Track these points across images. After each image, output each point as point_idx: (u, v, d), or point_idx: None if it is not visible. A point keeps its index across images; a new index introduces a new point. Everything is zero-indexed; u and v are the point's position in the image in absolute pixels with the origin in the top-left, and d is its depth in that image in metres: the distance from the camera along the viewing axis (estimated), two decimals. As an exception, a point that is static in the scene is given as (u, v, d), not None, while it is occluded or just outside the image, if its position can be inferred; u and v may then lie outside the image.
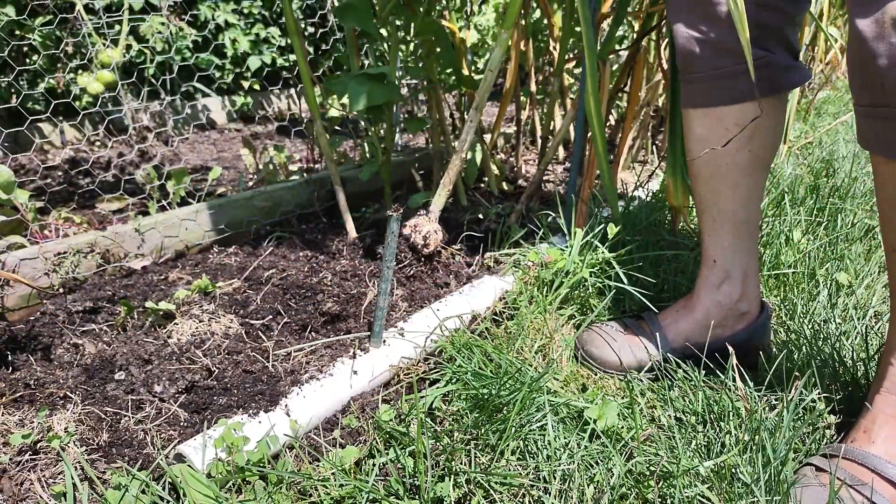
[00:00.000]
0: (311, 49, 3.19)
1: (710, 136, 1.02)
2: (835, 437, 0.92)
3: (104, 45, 2.29)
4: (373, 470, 0.83)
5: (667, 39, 1.75)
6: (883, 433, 0.83)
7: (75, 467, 0.84)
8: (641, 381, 1.07)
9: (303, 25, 3.19)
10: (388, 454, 0.86)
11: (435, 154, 1.90)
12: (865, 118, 0.81)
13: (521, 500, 0.81)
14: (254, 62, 2.97)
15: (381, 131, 1.73)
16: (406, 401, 0.98)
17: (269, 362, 1.06)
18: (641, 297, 1.19)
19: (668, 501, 0.79)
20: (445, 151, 1.88)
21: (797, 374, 0.99)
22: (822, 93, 3.69)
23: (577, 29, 1.91)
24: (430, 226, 1.35)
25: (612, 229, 1.34)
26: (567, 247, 1.33)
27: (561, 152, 2.47)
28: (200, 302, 1.20)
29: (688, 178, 1.43)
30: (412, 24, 1.65)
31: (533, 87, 2.16)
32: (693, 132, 1.05)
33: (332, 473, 0.82)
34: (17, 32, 2.29)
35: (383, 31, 1.65)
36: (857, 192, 1.86)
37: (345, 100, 2.60)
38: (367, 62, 3.21)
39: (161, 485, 0.80)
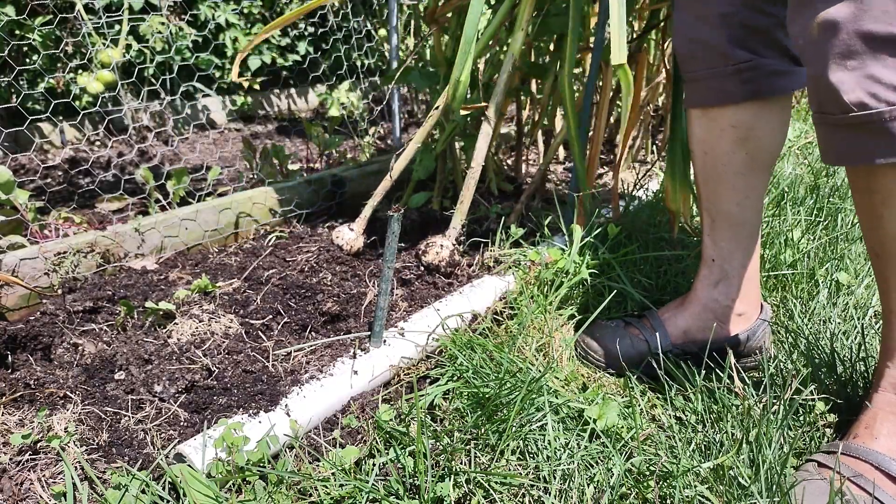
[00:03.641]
0: (310, 49, 3.19)
1: (707, 136, 1.02)
2: (835, 436, 0.92)
3: (104, 44, 2.29)
4: (373, 470, 0.83)
5: (669, 39, 1.76)
6: (885, 430, 0.84)
7: (75, 467, 0.83)
8: (641, 380, 1.07)
9: (303, 25, 3.19)
10: (388, 454, 0.86)
11: (438, 154, 1.90)
12: (817, 127, 0.80)
13: (521, 499, 0.81)
14: (254, 62, 2.97)
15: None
16: (406, 400, 0.98)
17: (269, 362, 1.06)
18: (641, 298, 1.19)
19: (668, 501, 0.79)
20: (448, 151, 1.88)
21: (796, 374, 0.99)
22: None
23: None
24: (441, 240, 1.34)
25: (613, 229, 1.34)
26: (567, 247, 1.33)
27: (561, 152, 2.47)
28: (200, 302, 1.20)
29: (686, 179, 1.43)
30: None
31: (533, 87, 2.16)
32: (693, 132, 1.05)
33: (332, 473, 0.82)
34: (17, 32, 2.29)
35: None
36: (858, 191, 1.85)
37: (344, 99, 2.60)
38: (367, 61, 3.20)
39: (161, 485, 0.80)
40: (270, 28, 1.38)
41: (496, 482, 0.81)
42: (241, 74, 3.03)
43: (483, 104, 1.38)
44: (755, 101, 0.97)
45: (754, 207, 1.04)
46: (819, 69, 0.73)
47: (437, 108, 1.38)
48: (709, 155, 1.03)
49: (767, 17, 0.93)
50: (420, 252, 1.35)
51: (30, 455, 0.86)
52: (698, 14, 0.96)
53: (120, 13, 2.37)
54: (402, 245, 1.51)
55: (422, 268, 1.35)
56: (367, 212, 1.46)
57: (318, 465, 0.87)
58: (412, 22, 2.82)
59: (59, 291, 1.27)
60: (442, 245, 1.33)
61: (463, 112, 1.41)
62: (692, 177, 1.54)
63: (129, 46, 2.56)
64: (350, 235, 1.45)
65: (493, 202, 1.86)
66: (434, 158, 1.70)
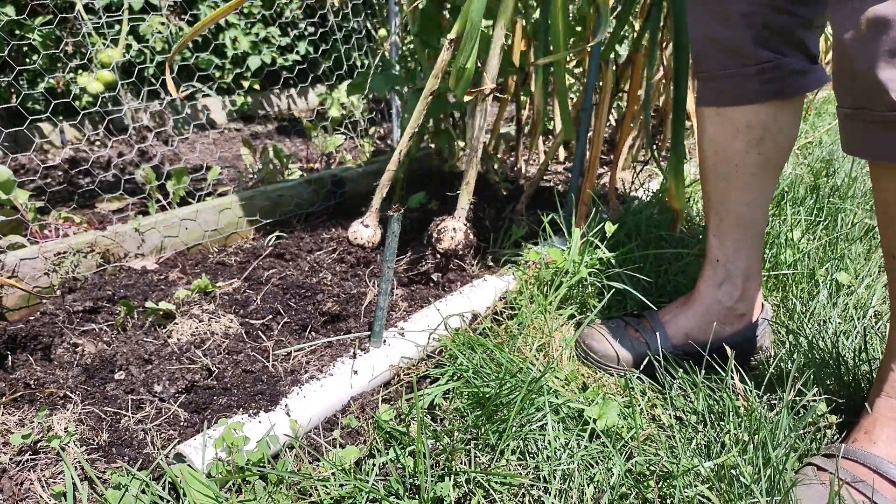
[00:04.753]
0: (310, 49, 3.19)
1: (720, 136, 1.02)
2: (836, 437, 0.92)
3: (104, 44, 2.29)
4: (373, 470, 0.83)
5: (669, 38, 1.75)
6: (884, 434, 0.83)
7: (75, 467, 0.83)
8: (642, 380, 1.07)
9: (303, 25, 3.18)
10: (388, 454, 0.86)
11: (435, 153, 1.90)
12: (847, 121, 0.80)
13: (521, 499, 0.81)
14: (254, 62, 2.97)
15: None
16: (406, 400, 0.98)
17: (269, 362, 1.06)
18: (641, 298, 1.19)
19: (668, 501, 0.79)
20: (448, 149, 1.88)
21: (797, 374, 0.99)
22: (822, 92, 3.69)
23: (578, 28, 1.91)
24: (452, 223, 1.28)
25: (610, 227, 1.34)
26: (567, 247, 1.33)
27: (561, 152, 2.47)
28: (200, 302, 1.20)
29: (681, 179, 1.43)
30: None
31: (533, 87, 2.16)
32: (705, 131, 1.04)
33: (332, 473, 0.82)
34: (17, 32, 2.29)
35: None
36: (857, 191, 1.86)
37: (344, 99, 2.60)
38: (367, 61, 3.20)
39: (161, 485, 0.80)
40: (195, 30, 1.36)
41: (496, 482, 0.81)
42: (240, 75, 3.03)
43: (481, 88, 1.36)
44: (774, 101, 0.96)
45: (762, 208, 1.04)
46: (865, 65, 0.73)
47: (432, 93, 1.36)
48: (720, 155, 1.03)
49: (791, 17, 0.92)
50: (433, 239, 1.28)
51: (30, 455, 0.86)
52: (718, 13, 0.95)
53: (120, 13, 2.37)
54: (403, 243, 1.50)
55: (438, 256, 1.28)
56: (376, 202, 1.43)
57: (318, 465, 0.87)
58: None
59: (59, 292, 1.27)
60: (455, 228, 1.27)
61: (466, 98, 1.39)
62: (691, 177, 1.54)
63: (129, 46, 2.56)
64: (368, 232, 1.42)
65: (493, 202, 1.86)
66: (405, 167, 1.66)
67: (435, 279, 1.33)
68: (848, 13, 0.74)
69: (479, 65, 1.44)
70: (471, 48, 1.26)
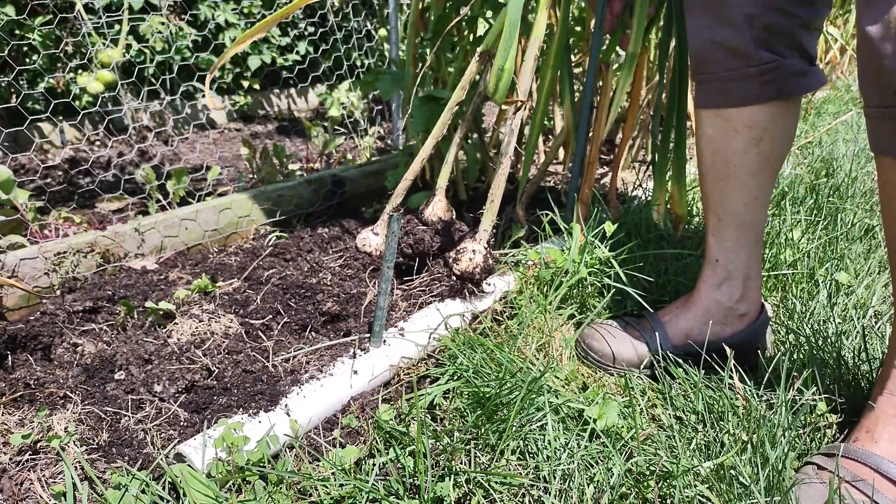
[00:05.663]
0: (310, 49, 3.19)
1: (719, 136, 1.02)
2: (836, 437, 0.92)
3: (104, 44, 2.29)
4: (373, 470, 0.83)
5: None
6: (886, 433, 0.83)
7: (75, 467, 0.83)
8: (642, 380, 1.07)
9: (302, 25, 3.19)
10: (388, 454, 0.86)
11: (434, 154, 1.90)
12: (875, 120, 0.81)
13: (521, 499, 0.81)
14: (254, 62, 2.97)
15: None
16: (406, 400, 0.98)
17: (269, 362, 1.06)
18: (639, 298, 1.19)
19: (668, 501, 0.79)
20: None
21: (796, 374, 0.99)
22: (821, 93, 3.69)
23: (578, 28, 1.91)
24: (473, 245, 1.23)
25: (610, 227, 1.34)
26: (567, 247, 1.33)
27: (561, 152, 2.47)
28: (200, 302, 1.20)
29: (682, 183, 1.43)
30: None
31: (533, 87, 2.16)
32: (703, 132, 1.05)
33: (332, 473, 0.82)
34: (17, 32, 2.29)
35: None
36: (857, 191, 1.86)
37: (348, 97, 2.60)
38: (367, 61, 3.20)
39: (161, 485, 0.80)
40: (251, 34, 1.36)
41: (496, 482, 0.81)
42: (240, 75, 3.03)
43: (520, 99, 1.33)
44: (774, 102, 0.97)
45: (761, 207, 1.05)
46: (894, 63, 0.74)
47: (458, 105, 1.33)
48: (718, 155, 1.03)
49: (791, 18, 0.93)
50: (451, 259, 1.24)
51: (30, 455, 0.86)
52: (720, 15, 0.96)
53: (120, 13, 2.37)
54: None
55: (454, 277, 1.25)
56: (389, 209, 1.43)
57: (318, 465, 0.87)
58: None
59: (59, 292, 1.27)
60: (474, 250, 1.22)
61: (505, 106, 1.34)
62: (691, 177, 1.54)
63: (129, 46, 2.56)
64: (377, 240, 1.40)
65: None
66: (406, 168, 1.65)
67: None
68: (875, 11, 0.74)
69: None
70: (508, 47, 1.19)
